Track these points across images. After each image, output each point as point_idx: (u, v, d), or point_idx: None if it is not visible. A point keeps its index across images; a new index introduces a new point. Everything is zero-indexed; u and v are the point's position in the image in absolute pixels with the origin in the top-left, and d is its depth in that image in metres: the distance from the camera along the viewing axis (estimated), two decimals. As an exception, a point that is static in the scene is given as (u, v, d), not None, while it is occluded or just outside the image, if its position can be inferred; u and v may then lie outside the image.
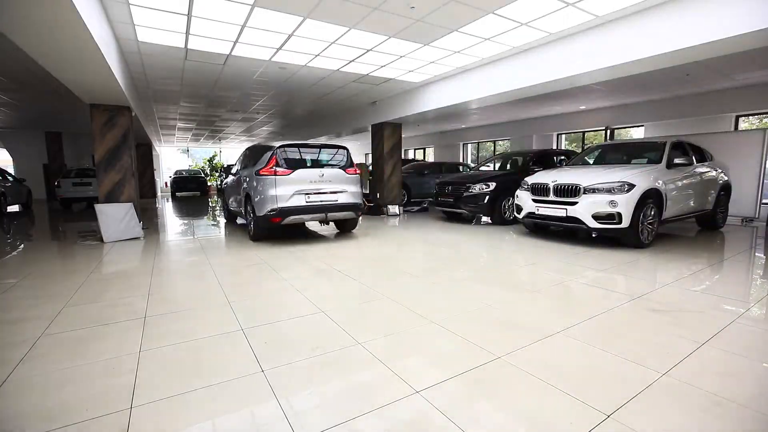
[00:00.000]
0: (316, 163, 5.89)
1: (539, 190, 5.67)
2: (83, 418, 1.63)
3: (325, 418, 1.62)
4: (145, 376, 1.98)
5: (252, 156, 6.47)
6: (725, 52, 4.59)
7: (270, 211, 5.26)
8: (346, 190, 5.88)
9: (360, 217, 6.53)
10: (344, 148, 6.17)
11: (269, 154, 5.61)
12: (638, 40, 4.85)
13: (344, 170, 5.92)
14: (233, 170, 7.55)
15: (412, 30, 5.50)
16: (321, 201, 5.65)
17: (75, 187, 12.15)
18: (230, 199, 7.63)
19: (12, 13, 3.35)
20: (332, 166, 5.96)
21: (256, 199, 5.49)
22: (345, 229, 6.72)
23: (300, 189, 5.45)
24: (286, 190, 5.36)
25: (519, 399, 1.74)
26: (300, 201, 5.44)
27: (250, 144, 22.91)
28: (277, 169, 5.38)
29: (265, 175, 5.39)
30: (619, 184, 4.87)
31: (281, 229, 6.39)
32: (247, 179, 5.96)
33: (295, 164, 5.56)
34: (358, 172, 6.12)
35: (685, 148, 5.91)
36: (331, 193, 5.75)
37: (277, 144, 5.79)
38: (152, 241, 6.20)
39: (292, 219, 5.42)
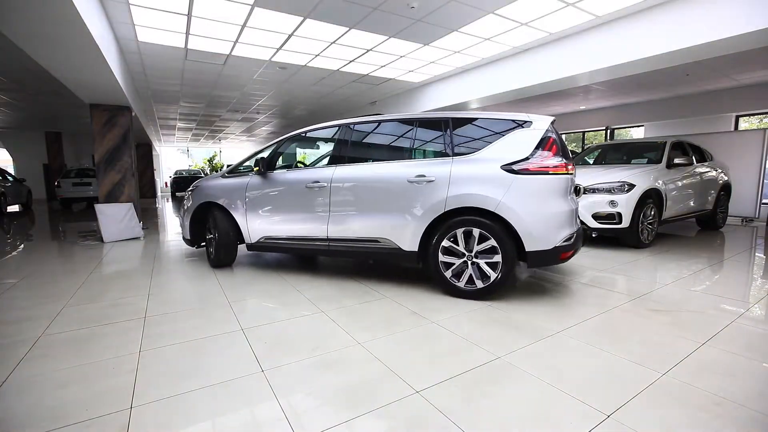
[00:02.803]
0: None
1: (539, 190, 5.66)
2: (83, 418, 1.63)
3: (325, 418, 1.62)
4: (145, 376, 1.98)
5: None
6: (725, 52, 4.59)
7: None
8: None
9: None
10: None
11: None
12: (638, 40, 4.85)
13: None
14: None
15: (412, 30, 5.50)
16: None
17: (75, 187, 12.16)
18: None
19: (12, 13, 3.35)
20: None
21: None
22: None
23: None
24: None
25: (519, 399, 1.74)
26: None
27: (250, 144, 22.84)
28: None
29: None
30: (619, 184, 4.87)
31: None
32: None
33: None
34: None
35: (685, 148, 5.91)
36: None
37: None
38: (152, 241, 6.20)
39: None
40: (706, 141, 6.94)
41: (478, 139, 3.18)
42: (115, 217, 6.28)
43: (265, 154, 4.00)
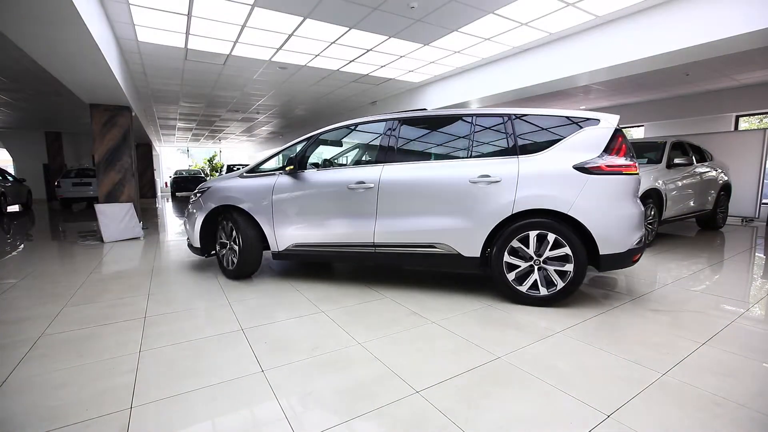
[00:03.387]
0: None
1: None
2: (83, 418, 1.63)
3: (324, 417, 1.62)
4: (145, 376, 1.98)
5: None
6: (725, 52, 4.59)
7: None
8: None
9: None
10: None
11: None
12: (638, 40, 4.85)
13: None
14: None
15: (412, 30, 5.51)
16: None
17: (75, 187, 12.17)
18: None
19: (12, 12, 3.35)
20: None
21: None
22: None
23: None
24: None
25: (519, 399, 1.74)
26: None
27: (250, 144, 22.84)
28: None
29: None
30: (619, 184, 4.86)
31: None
32: None
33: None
34: None
35: (685, 148, 5.91)
36: None
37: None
38: (152, 241, 6.20)
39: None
40: (706, 141, 6.95)
41: (544, 137, 2.97)
42: (115, 217, 6.28)
43: (295, 151, 3.59)
